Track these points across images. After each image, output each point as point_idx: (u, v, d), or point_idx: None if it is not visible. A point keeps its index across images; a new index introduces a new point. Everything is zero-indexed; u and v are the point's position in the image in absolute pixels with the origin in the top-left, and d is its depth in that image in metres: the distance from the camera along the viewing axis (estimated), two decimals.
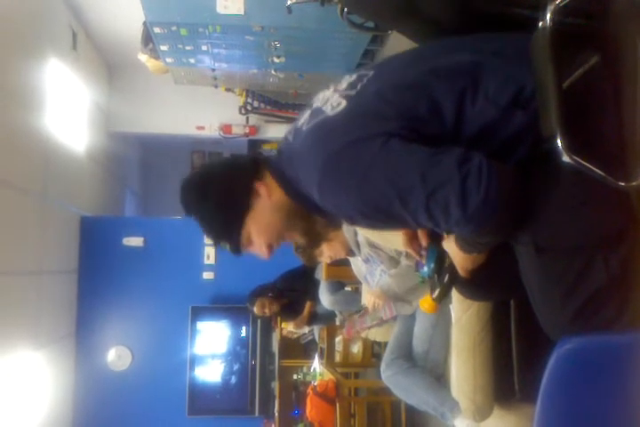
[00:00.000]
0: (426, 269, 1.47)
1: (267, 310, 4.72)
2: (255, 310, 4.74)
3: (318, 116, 1.28)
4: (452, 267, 1.42)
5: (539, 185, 1.18)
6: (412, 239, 1.51)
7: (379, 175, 1.16)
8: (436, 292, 1.47)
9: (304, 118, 1.33)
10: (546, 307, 1.26)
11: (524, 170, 1.17)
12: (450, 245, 1.38)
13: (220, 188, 1.40)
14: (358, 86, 1.29)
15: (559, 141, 1.07)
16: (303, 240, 1.47)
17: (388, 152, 1.16)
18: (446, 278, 1.45)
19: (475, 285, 1.49)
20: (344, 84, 1.33)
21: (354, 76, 1.34)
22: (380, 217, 1.23)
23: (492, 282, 1.47)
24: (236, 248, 1.44)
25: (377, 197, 1.18)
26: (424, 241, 1.47)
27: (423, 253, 1.49)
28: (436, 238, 1.44)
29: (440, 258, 1.44)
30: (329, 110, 1.27)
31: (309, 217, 1.42)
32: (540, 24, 1.11)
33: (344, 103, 1.26)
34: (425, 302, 1.51)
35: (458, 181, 1.09)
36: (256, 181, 1.38)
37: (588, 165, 1.08)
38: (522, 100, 1.16)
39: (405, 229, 1.51)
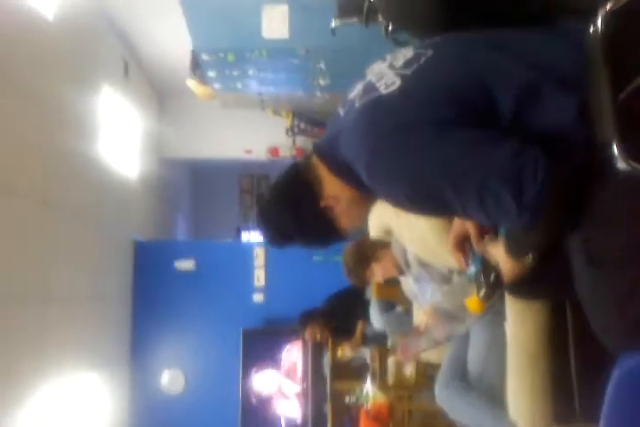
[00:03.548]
0: (473, 268, 1.47)
1: (317, 336, 4.71)
2: (306, 335, 4.74)
3: (371, 93, 1.26)
4: (498, 269, 1.42)
5: (595, 194, 1.15)
6: (460, 244, 1.51)
7: (431, 162, 1.15)
8: (482, 291, 1.46)
9: (356, 91, 1.31)
10: (598, 316, 1.22)
11: (580, 178, 1.14)
12: (498, 253, 1.36)
13: (295, 218, 1.43)
14: (414, 66, 1.25)
15: (615, 148, 1.05)
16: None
17: (441, 139, 1.14)
18: (492, 278, 1.44)
19: (522, 285, 1.46)
20: (400, 61, 1.29)
21: (410, 53, 1.29)
22: (428, 203, 1.21)
23: (540, 281, 1.44)
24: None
25: (427, 183, 1.16)
26: (475, 240, 1.47)
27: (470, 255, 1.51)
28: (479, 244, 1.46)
29: (484, 259, 1.45)
30: (382, 89, 1.24)
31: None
32: (592, 30, 1.08)
33: (398, 83, 1.23)
34: (471, 302, 1.51)
35: (515, 170, 1.07)
36: (322, 202, 1.40)
37: None
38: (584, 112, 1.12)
39: (454, 233, 1.52)
